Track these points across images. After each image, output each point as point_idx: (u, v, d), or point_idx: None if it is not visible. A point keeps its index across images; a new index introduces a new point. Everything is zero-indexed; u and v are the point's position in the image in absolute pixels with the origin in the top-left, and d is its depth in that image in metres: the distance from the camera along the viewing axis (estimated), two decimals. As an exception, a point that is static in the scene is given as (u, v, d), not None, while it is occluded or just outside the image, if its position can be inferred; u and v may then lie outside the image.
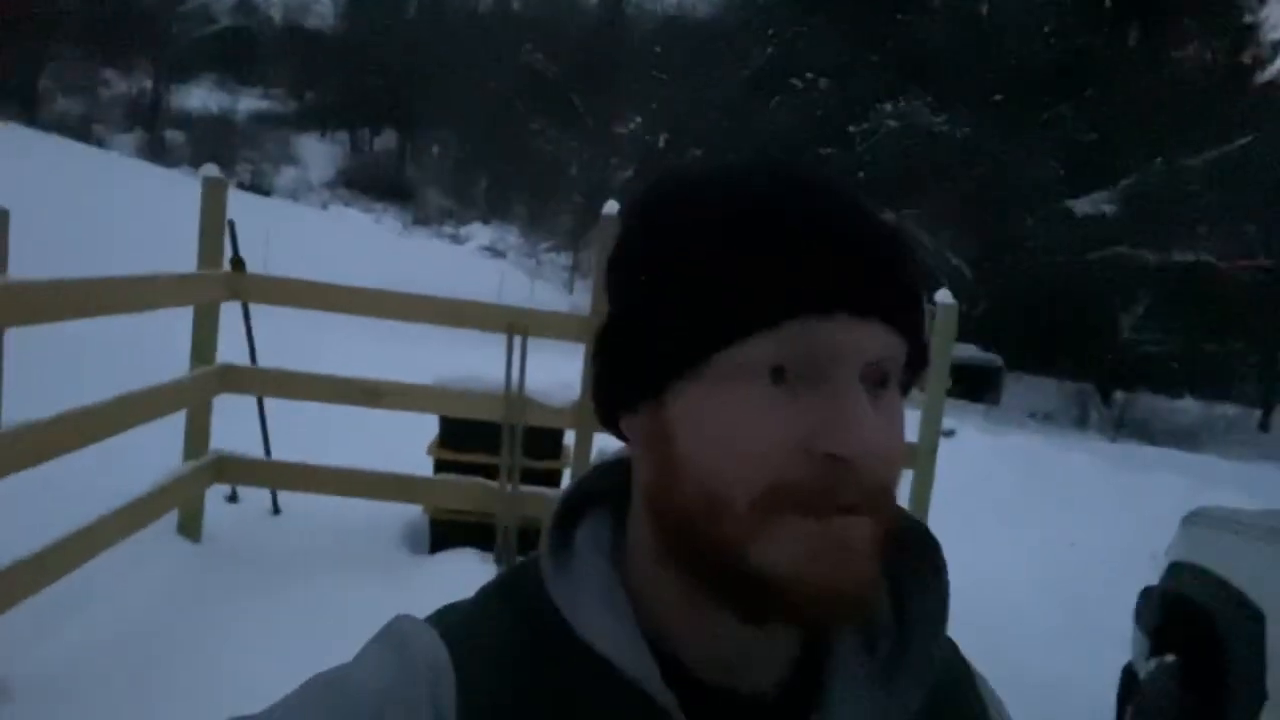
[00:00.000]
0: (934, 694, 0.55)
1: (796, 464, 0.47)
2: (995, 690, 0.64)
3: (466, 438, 4.35)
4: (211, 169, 3.97)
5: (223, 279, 4.01)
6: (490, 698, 0.51)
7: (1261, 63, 24.47)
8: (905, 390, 0.54)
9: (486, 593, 0.58)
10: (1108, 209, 19.65)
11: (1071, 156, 20.16)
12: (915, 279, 0.51)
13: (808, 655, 0.56)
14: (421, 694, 0.51)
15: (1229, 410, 21.22)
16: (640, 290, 0.52)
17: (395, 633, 0.54)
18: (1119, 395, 20.48)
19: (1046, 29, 21.72)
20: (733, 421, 0.48)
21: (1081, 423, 19.01)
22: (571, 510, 0.58)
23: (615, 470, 0.59)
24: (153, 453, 3.94)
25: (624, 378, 0.53)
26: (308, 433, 4.98)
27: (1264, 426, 20.65)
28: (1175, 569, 3.06)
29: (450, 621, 0.55)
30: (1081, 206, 19.83)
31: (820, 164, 17.78)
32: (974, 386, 17.44)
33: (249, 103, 46.67)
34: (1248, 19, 24.31)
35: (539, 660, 0.53)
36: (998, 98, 20.50)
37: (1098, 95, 20.86)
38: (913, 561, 0.57)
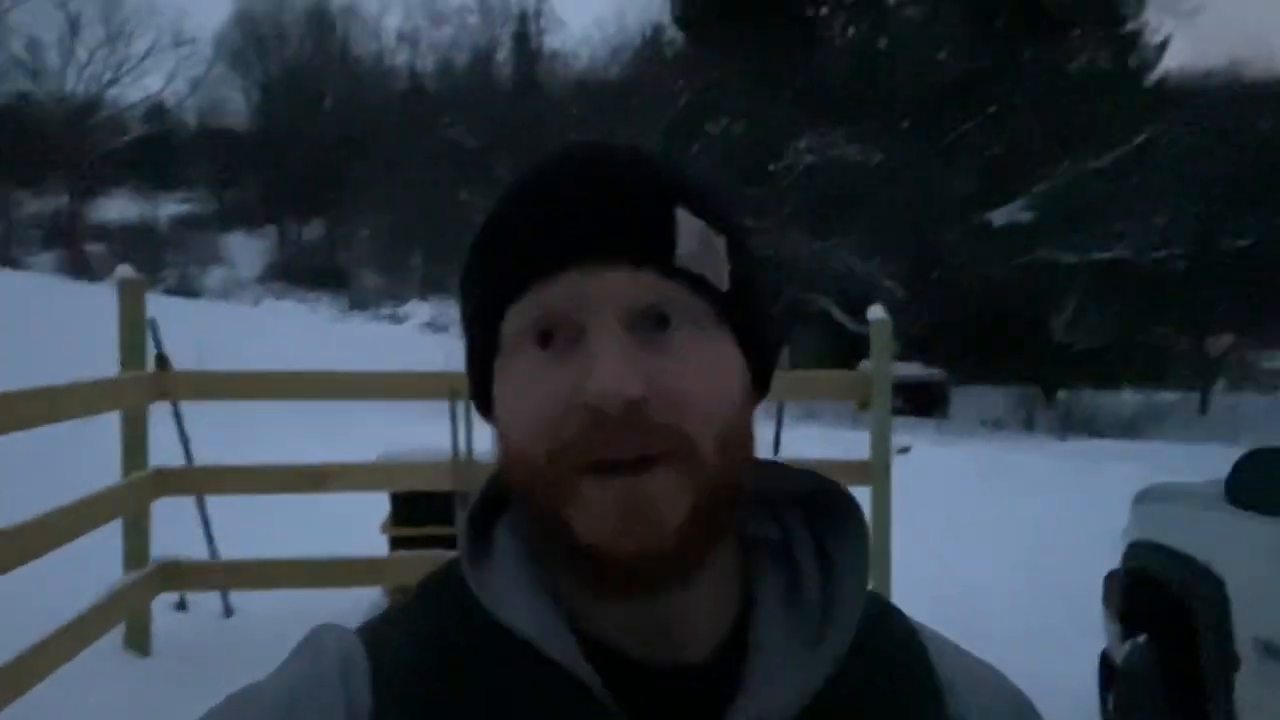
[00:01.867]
0: (871, 662, 0.54)
1: (564, 423, 0.48)
2: (986, 662, 0.61)
3: (419, 511, 4.27)
4: (126, 269, 3.89)
5: (148, 379, 3.91)
6: (407, 684, 0.51)
7: (1148, 65, 25.80)
8: (740, 330, 0.53)
9: (409, 594, 0.59)
10: (1024, 217, 20.33)
11: (984, 171, 20.87)
12: (659, 216, 0.51)
13: (742, 623, 0.55)
14: (333, 685, 0.51)
15: (1168, 397, 21.81)
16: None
17: (310, 638, 0.55)
18: (1062, 394, 20.98)
19: (943, 54, 22.64)
20: (513, 391, 0.51)
21: (1030, 425, 19.37)
22: (492, 505, 0.58)
23: None
24: (92, 566, 3.77)
25: (468, 372, 0.57)
26: (255, 527, 4.83)
27: (1203, 409, 21.26)
28: (1133, 548, 3.10)
29: (370, 623, 0.57)
30: (999, 217, 20.49)
31: (739, 200, 18.17)
32: (923, 403, 17.72)
33: (170, 207, 46.16)
34: (1130, 26, 25.66)
35: (457, 646, 0.52)
36: (905, 123, 21.22)
37: (1000, 110, 21.72)
38: (834, 523, 0.57)
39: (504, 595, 0.52)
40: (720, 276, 0.52)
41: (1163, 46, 25.89)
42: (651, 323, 0.49)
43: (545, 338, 0.50)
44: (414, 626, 0.54)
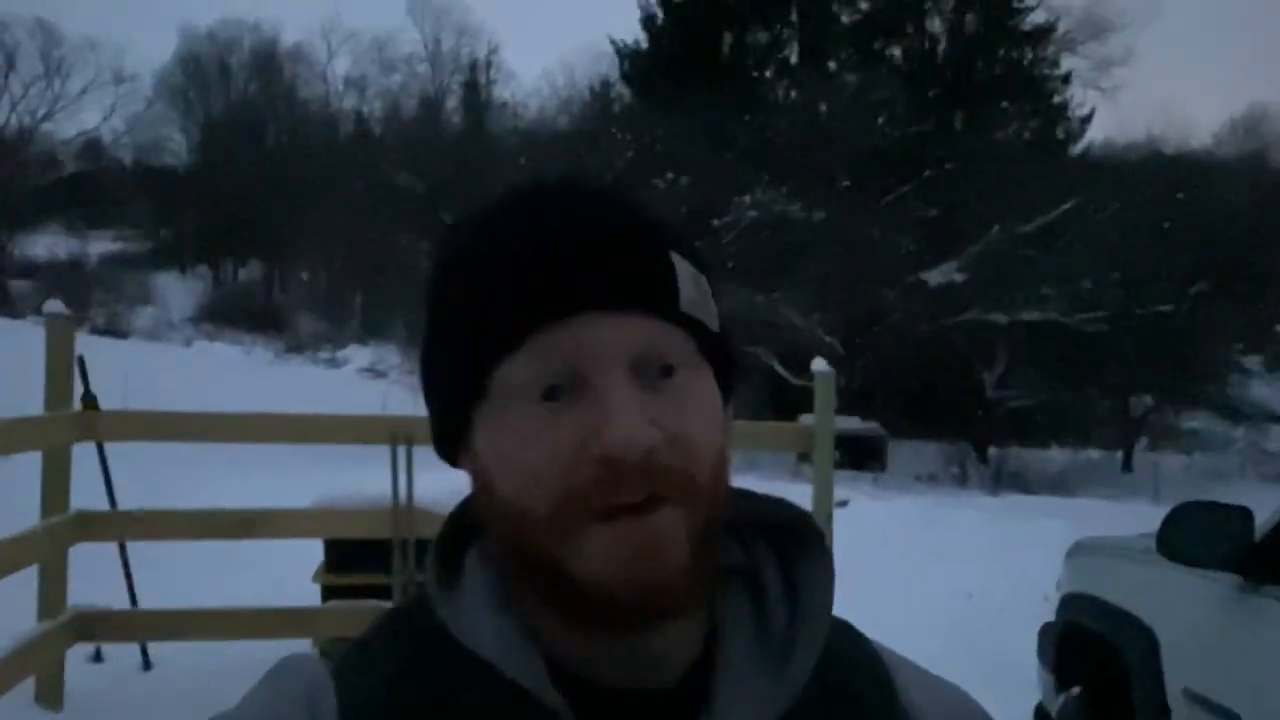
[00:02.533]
0: (836, 686, 0.55)
1: (575, 473, 0.48)
2: (953, 684, 0.62)
3: (355, 559, 4.14)
4: (55, 304, 3.76)
5: (73, 419, 3.75)
6: (373, 712, 0.50)
7: (1074, 137, 27.10)
8: (722, 374, 0.54)
9: (377, 622, 0.58)
10: (958, 277, 21.00)
11: (918, 232, 21.56)
12: (661, 263, 0.51)
13: (709, 649, 0.55)
14: (298, 714, 0.50)
15: (1093, 455, 22.49)
16: (427, 327, 0.55)
17: (278, 665, 0.54)
18: (993, 451, 21.47)
19: (880, 119, 23.47)
20: (513, 443, 0.50)
21: (963, 480, 19.76)
22: (461, 531, 0.57)
23: None
24: (3, 614, 3.58)
25: (437, 415, 0.55)
26: (179, 576, 4.65)
27: (1127, 467, 21.94)
28: (1066, 601, 3.15)
29: (338, 651, 0.56)
30: (934, 277, 21.12)
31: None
32: (860, 456, 17.94)
33: (101, 245, 44.94)
34: (1056, 99, 26.98)
35: (427, 672, 0.52)
36: (845, 184, 21.87)
37: (934, 175, 22.55)
38: (801, 551, 0.58)
39: (471, 620, 0.52)
40: (713, 318, 0.53)
41: (1087, 120, 27.28)
42: (656, 369, 0.50)
43: (552, 392, 0.49)
44: (382, 654, 0.54)
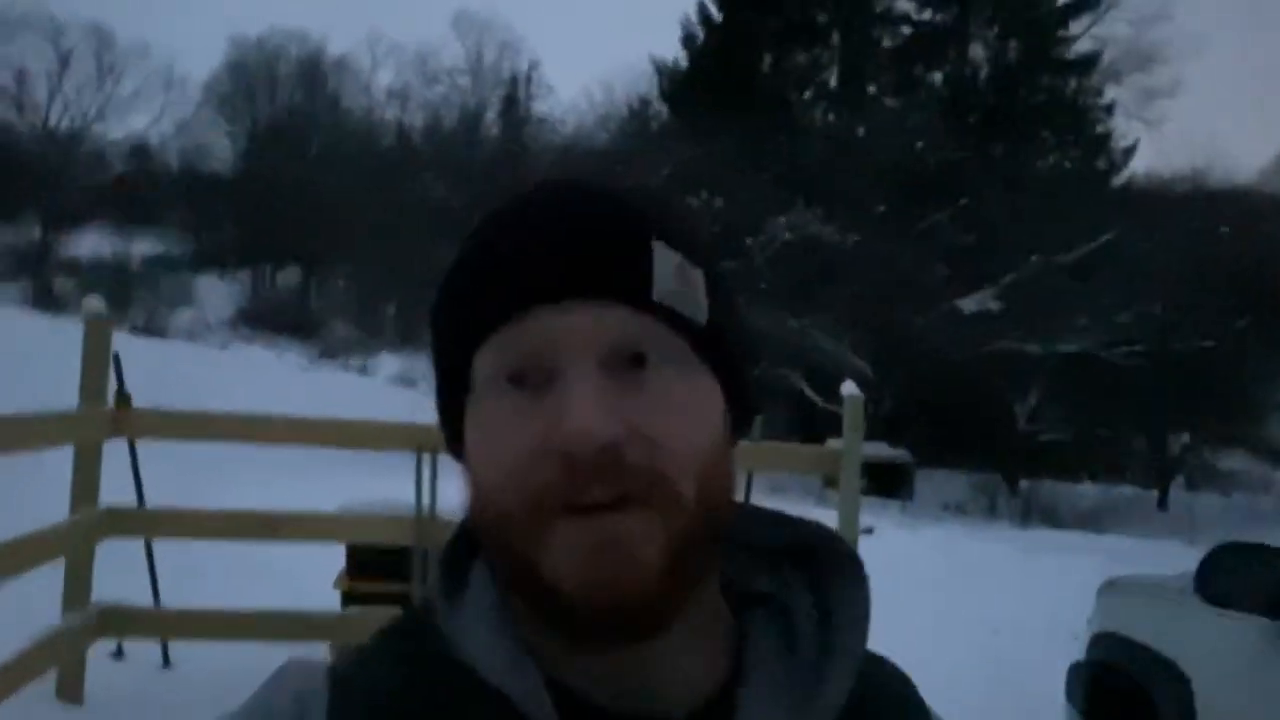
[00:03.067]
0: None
1: (539, 467, 0.46)
2: None
3: (376, 566, 4.15)
4: (94, 301, 3.82)
5: (106, 416, 3.80)
6: None
7: (1115, 167, 26.77)
8: (719, 368, 0.51)
9: (381, 630, 0.56)
10: (992, 306, 20.76)
11: (954, 258, 21.36)
12: (634, 249, 0.49)
13: (733, 679, 0.52)
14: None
15: (1126, 491, 22.05)
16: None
17: (276, 672, 0.54)
18: (1024, 483, 21.13)
19: (919, 144, 23.34)
20: (484, 434, 0.49)
21: (992, 512, 19.45)
22: (468, 544, 0.55)
23: None
24: (28, 607, 3.61)
25: (438, 414, 0.55)
26: (202, 577, 4.68)
27: (1162, 505, 21.49)
28: (1098, 640, 3.08)
29: (341, 658, 0.55)
30: (968, 305, 20.89)
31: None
32: (887, 483, 17.75)
33: (144, 246, 45.82)
34: (1099, 129, 26.69)
35: (422, 686, 0.50)
36: (881, 208, 21.74)
37: (972, 202, 22.33)
38: (834, 578, 0.55)
39: (473, 637, 0.51)
40: (698, 311, 0.50)
41: (1130, 151, 26.93)
42: (626, 361, 0.48)
43: (518, 378, 0.48)
44: (381, 665, 0.53)
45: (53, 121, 41.79)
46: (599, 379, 0.47)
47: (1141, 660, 2.70)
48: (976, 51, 27.00)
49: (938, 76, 27.05)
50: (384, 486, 4.63)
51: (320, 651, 4.22)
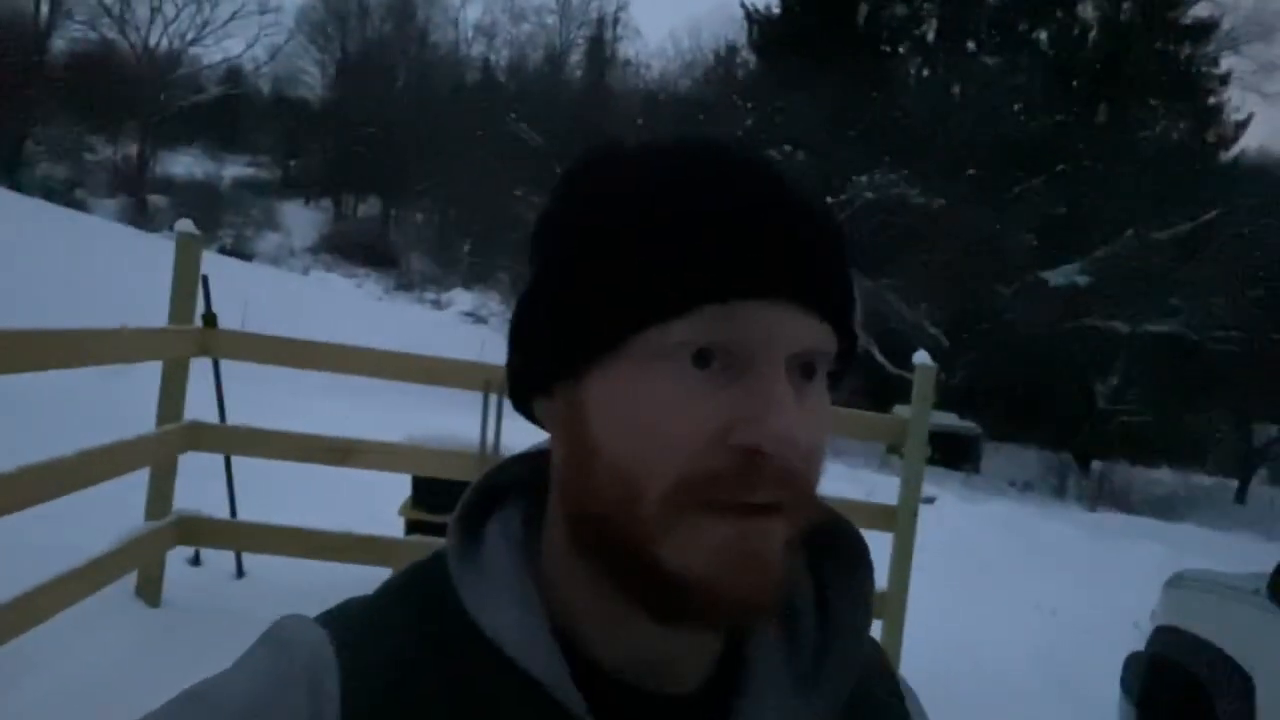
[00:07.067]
0: (851, 701, 0.52)
1: (712, 455, 0.45)
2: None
3: (439, 498, 4.26)
4: (186, 223, 3.94)
5: (193, 334, 3.95)
6: (380, 700, 0.47)
7: (1226, 142, 25.34)
8: (835, 385, 0.51)
9: (387, 588, 0.54)
10: (1080, 280, 20.02)
11: (1044, 229, 20.59)
12: (847, 272, 0.50)
13: (731, 653, 0.53)
14: (298, 701, 0.47)
15: (1205, 481, 21.33)
16: (559, 263, 0.49)
17: (276, 635, 0.50)
18: (1097, 465, 20.57)
19: (1016, 107, 22.41)
20: (650, 406, 0.45)
21: (1060, 491, 19.02)
22: (485, 501, 0.54)
23: (533, 459, 0.56)
24: (113, 511, 3.82)
25: (538, 357, 0.50)
26: (276, 494, 4.86)
27: (1240, 498, 20.72)
28: (1159, 632, 3.00)
29: (342, 620, 0.51)
30: (1055, 278, 20.19)
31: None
32: (953, 454, 17.46)
33: (234, 169, 47.07)
34: (1212, 100, 25.25)
35: (439, 658, 0.49)
36: (971, 171, 21.00)
37: (1069, 170, 21.43)
38: (838, 560, 0.55)
39: (491, 605, 0.49)
40: (853, 330, 0.51)
41: (1243, 125, 25.45)
42: (800, 369, 0.48)
43: (704, 358, 0.46)
44: (391, 627, 0.50)
45: (152, 42, 42.84)
46: (789, 385, 0.46)
47: (1204, 658, 2.63)
48: (1086, 10, 25.64)
49: (1043, 35, 25.79)
50: (447, 421, 4.74)
51: (384, 575, 4.38)
